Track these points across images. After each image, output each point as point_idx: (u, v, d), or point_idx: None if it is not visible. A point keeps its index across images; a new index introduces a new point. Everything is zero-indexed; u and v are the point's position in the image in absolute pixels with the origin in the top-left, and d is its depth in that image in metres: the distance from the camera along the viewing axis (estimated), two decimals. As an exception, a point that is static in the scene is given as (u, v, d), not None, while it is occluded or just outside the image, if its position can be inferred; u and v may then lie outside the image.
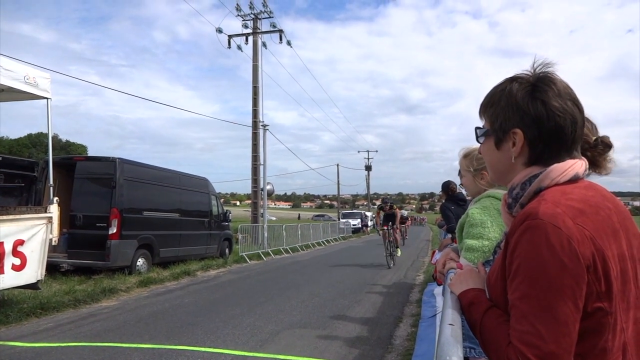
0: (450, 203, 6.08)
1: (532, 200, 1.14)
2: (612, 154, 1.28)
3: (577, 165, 1.14)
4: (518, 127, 1.16)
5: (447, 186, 6.17)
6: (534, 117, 1.14)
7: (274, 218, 61.26)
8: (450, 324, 1.11)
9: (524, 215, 1.07)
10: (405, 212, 51.07)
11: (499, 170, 1.26)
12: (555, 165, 1.14)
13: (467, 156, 2.17)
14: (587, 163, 1.18)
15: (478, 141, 1.32)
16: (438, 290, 7.25)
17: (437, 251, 6.36)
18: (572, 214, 1.03)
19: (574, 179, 1.14)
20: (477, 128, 1.30)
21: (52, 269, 9.89)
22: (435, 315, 6.48)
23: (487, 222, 1.93)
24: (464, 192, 4.81)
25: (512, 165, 1.20)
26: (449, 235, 5.76)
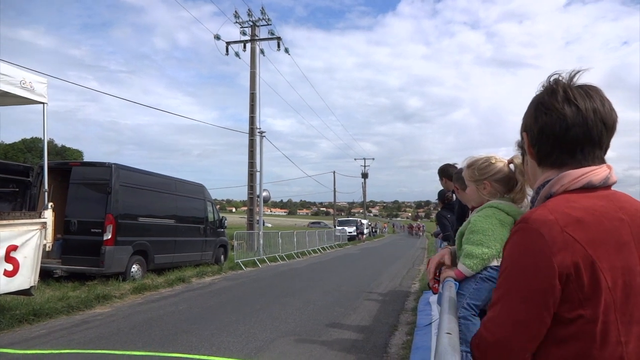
0: (447, 211, 6.08)
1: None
2: None
3: (592, 173, 1.14)
4: (525, 131, 1.26)
5: (443, 194, 6.17)
6: (530, 119, 1.22)
7: (269, 225, 61.16)
8: (447, 333, 1.11)
9: (521, 218, 1.13)
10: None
11: (529, 175, 1.34)
12: (569, 171, 1.15)
13: (470, 166, 2.16)
14: (610, 170, 1.16)
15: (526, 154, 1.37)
16: (433, 298, 7.23)
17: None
18: (565, 222, 1.05)
19: (588, 187, 1.13)
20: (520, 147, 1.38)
21: (45, 275, 9.81)
22: (431, 323, 6.46)
23: (488, 230, 1.92)
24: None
25: (534, 168, 1.27)
26: (445, 243, 5.75)
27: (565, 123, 1.14)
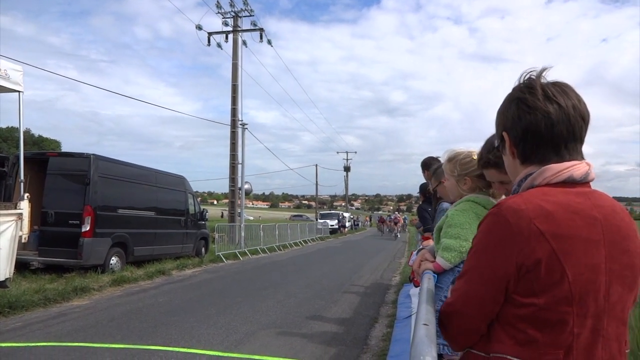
0: (428, 205, 6.12)
1: None
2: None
3: (573, 168, 1.17)
4: (504, 131, 1.26)
5: (425, 188, 6.21)
6: (510, 118, 1.23)
7: (251, 217, 60.90)
8: (424, 324, 1.11)
9: (497, 202, 1.19)
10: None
11: (510, 173, 1.34)
12: (551, 165, 1.18)
13: (451, 160, 2.15)
14: (590, 167, 1.19)
15: (502, 153, 1.36)
16: (414, 291, 7.31)
17: (414, 252, 6.40)
18: (535, 214, 1.08)
19: (569, 182, 1.16)
20: (495, 146, 1.39)
21: (21, 266, 9.63)
22: (411, 316, 6.53)
23: (465, 224, 1.94)
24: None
25: (514, 166, 1.28)
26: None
27: (550, 121, 1.17)
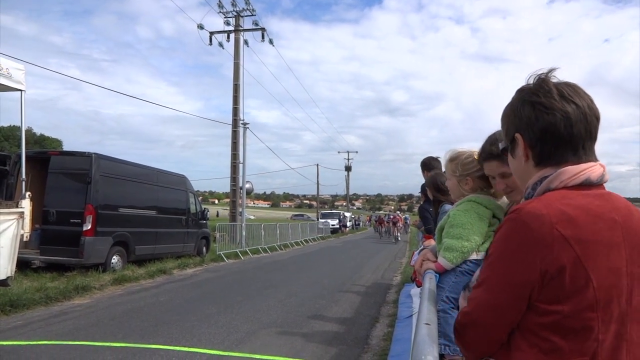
0: (429, 205, 6.11)
1: None
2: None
3: (590, 170, 1.14)
4: (518, 132, 1.22)
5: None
6: (525, 119, 1.19)
7: (252, 217, 60.92)
8: (426, 324, 1.11)
9: (515, 208, 1.14)
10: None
11: (519, 177, 1.30)
12: (567, 167, 1.15)
13: (453, 160, 2.14)
14: (604, 168, 1.18)
15: (506, 155, 1.33)
16: (415, 291, 7.30)
17: (416, 252, 6.40)
18: (557, 219, 1.05)
19: (586, 184, 1.14)
20: (502, 148, 1.35)
21: (23, 265, 9.65)
22: (412, 315, 6.52)
23: (467, 224, 1.93)
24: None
25: (526, 169, 1.24)
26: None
27: (570, 121, 1.14)
